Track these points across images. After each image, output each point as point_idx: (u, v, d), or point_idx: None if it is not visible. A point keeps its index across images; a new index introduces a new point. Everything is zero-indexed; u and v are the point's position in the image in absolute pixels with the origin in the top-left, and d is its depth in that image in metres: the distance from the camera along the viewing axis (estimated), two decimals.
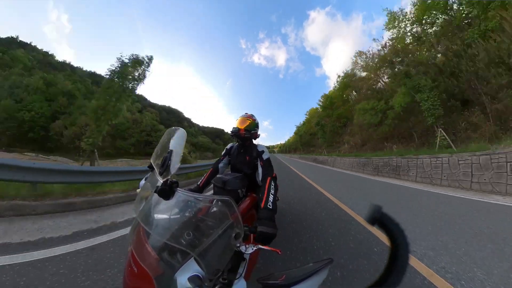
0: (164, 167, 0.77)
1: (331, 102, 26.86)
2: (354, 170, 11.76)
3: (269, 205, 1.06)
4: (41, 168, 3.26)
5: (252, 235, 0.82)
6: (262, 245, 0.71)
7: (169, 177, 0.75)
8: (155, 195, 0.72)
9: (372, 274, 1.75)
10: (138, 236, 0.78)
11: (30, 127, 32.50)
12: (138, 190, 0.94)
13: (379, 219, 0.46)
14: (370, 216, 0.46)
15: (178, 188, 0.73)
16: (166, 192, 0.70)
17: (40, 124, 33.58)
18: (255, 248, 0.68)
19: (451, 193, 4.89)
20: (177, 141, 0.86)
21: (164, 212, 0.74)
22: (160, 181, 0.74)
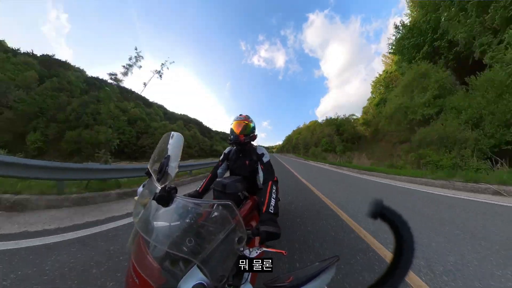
0: (162, 173, 0.75)
1: (289, 139, 68.93)
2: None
3: (271, 209, 1.05)
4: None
5: (256, 238, 0.80)
6: (266, 248, 0.70)
7: (167, 183, 0.73)
8: (154, 202, 0.70)
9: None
10: (138, 246, 0.76)
11: (125, 145, 52.23)
12: (136, 198, 0.92)
13: (381, 212, 0.45)
14: (372, 210, 0.45)
15: (177, 195, 0.71)
16: (165, 198, 0.68)
17: (132, 142, 53.19)
18: (259, 251, 0.66)
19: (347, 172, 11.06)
20: (174, 146, 0.83)
21: (164, 220, 0.72)
22: (158, 187, 0.71)
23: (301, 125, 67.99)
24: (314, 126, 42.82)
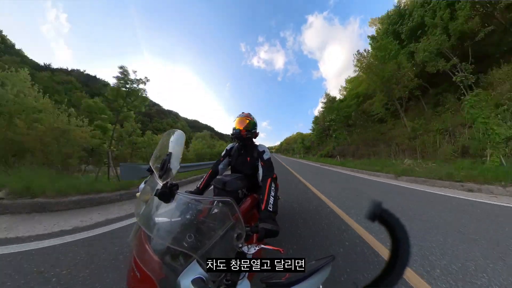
0: (164, 170, 0.76)
1: (282, 144, 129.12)
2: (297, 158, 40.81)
3: (270, 207, 1.06)
4: None
5: (254, 235, 0.82)
6: (265, 245, 0.71)
7: (168, 179, 0.74)
8: (155, 199, 0.71)
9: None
10: (139, 241, 0.78)
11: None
12: (137, 194, 0.94)
13: (380, 215, 0.45)
14: (370, 212, 0.45)
15: (178, 191, 0.72)
16: (167, 195, 0.69)
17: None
18: (257, 248, 0.68)
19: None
20: (176, 143, 0.84)
21: (165, 215, 0.73)
22: (160, 184, 0.72)
23: (290, 135, 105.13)
24: (290, 139, 69.28)
